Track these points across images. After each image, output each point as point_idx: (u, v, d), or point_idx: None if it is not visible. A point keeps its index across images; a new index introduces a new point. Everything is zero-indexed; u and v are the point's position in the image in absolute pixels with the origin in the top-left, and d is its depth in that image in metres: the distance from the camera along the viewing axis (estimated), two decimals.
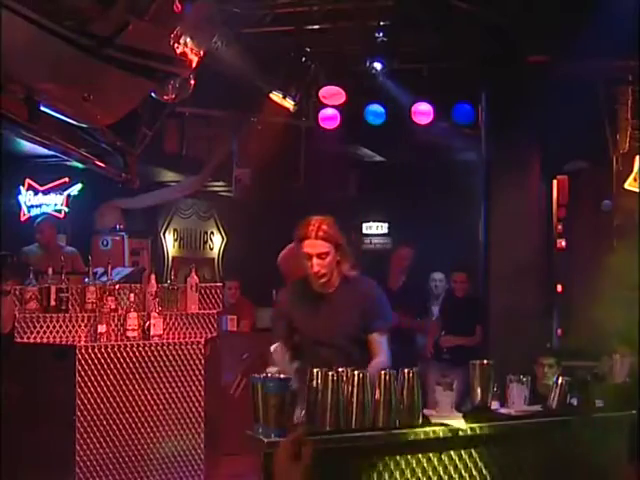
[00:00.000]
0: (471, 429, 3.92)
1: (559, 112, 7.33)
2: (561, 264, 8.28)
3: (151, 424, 5.90)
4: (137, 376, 5.87)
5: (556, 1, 7.16)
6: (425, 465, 3.83)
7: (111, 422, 5.77)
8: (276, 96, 8.80)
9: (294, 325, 4.48)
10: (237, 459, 6.18)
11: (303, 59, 8.77)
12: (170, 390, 5.97)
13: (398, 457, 3.76)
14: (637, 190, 8.47)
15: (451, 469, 3.87)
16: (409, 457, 3.80)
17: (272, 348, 4.41)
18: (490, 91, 7.91)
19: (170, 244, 12.21)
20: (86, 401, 5.70)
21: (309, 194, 11.09)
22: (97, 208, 11.10)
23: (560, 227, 8.33)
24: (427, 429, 3.82)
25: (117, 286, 6.22)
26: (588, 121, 7.88)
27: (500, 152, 7.80)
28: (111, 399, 5.78)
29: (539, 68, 7.50)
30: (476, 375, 4.19)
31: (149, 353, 5.92)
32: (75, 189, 11.26)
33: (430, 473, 3.84)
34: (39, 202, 11.27)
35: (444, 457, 3.87)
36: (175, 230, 12.34)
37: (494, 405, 4.23)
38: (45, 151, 7.60)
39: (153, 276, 6.34)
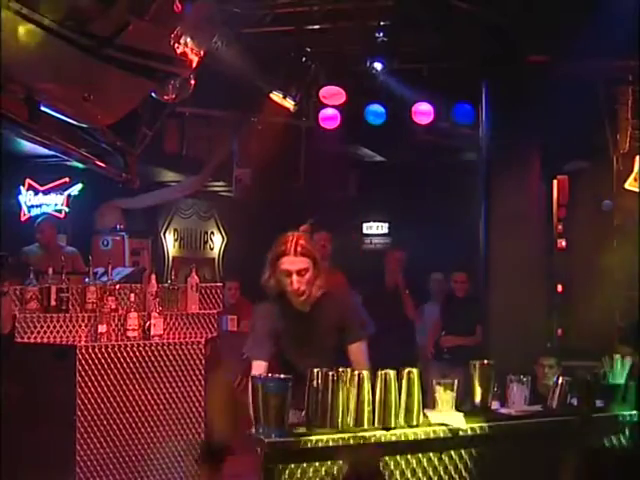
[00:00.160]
0: (471, 429, 3.92)
1: (559, 112, 7.33)
2: (561, 264, 8.28)
3: (151, 424, 5.90)
4: (137, 376, 5.87)
5: (556, 1, 7.16)
6: (425, 465, 3.83)
7: (111, 422, 5.77)
8: (276, 96, 8.80)
9: (279, 343, 4.32)
10: (237, 459, 6.19)
11: (303, 59, 8.78)
12: (170, 390, 5.97)
13: (398, 457, 3.76)
14: (637, 190, 8.46)
15: (451, 469, 3.88)
16: (409, 457, 3.80)
17: (255, 371, 4.14)
18: (490, 91, 7.91)
19: (170, 244, 12.21)
20: (86, 401, 5.69)
21: (309, 194, 11.10)
22: (97, 208, 11.09)
23: (560, 227, 8.34)
24: (427, 429, 3.82)
25: (117, 286, 6.23)
26: (588, 121, 7.89)
27: (500, 152, 7.80)
28: (111, 399, 5.78)
29: (539, 68, 7.50)
30: (476, 375, 4.19)
31: (149, 353, 5.93)
32: (75, 189, 11.26)
33: (430, 473, 3.84)
34: (39, 202, 11.27)
35: (444, 457, 3.87)
36: (175, 230, 12.34)
37: (494, 405, 4.23)
38: (45, 151, 7.60)
39: (153, 276, 6.34)
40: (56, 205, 11.27)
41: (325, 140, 10.05)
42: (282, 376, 3.68)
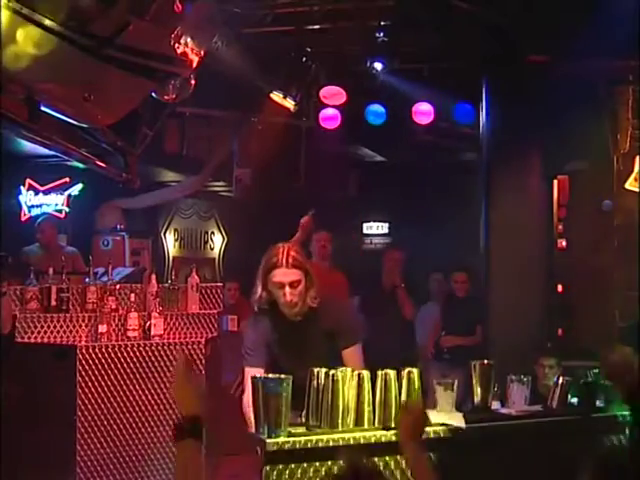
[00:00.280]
0: (471, 429, 3.92)
1: (559, 112, 7.33)
2: (561, 264, 8.27)
3: (151, 424, 5.90)
4: (138, 376, 5.87)
5: (556, 1, 7.16)
6: None
7: (112, 422, 5.77)
8: (276, 96, 8.80)
9: (272, 354, 4.33)
10: (236, 459, 6.19)
11: (304, 59, 8.78)
12: (170, 390, 5.96)
13: (398, 457, 3.76)
14: (637, 190, 8.46)
15: (451, 469, 3.88)
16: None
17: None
18: (490, 91, 7.91)
19: (171, 244, 12.21)
20: (87, 401, 5.70)
21: (309, 194, 11.09)
22: (98, 208, 11.10)
23: (560, 227, 8.32)
24: (427, 429, 3.83)
25: (118, 286, 6.23)
26: (588, 121, 7.88)
27: (500, 152, 7.80)
28: (112, 399, 5.78)
29: (539, 68, 7.50)
30: (476, 375, 4.19)
31: (150, 353, 5.93)
32: (76, 189, 11.26)
33: None
34: (40, 202, 11.27)
35: (444, 457, 3.87)
36: (176, 230, 12.34)
37: (494, 405, 4.23)
38: (46, 151, 7.60)
39: (154, 276, 6.35)
40: (56, 205, 11.27)
41: (325, 140, 10.05)
42: (282, 376, 3.68)
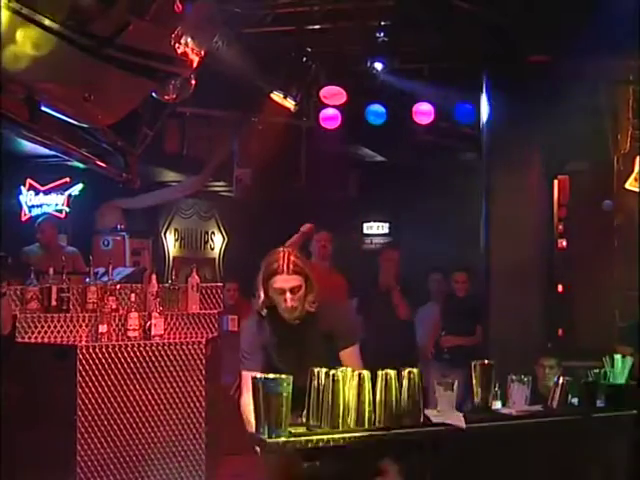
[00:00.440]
0: (471, 429, 3.92)
1: (559, 112, 7.32)
2: (561, 264, 8.26)
3: (152, 424, 5.90)
4: (138, 376, 5.87)
5: (557, 1, 7.16)
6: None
7: (112, 422, 5.77)
8: (277, 96, 8.80)
9: (269, 357, 4.33)
10: (237, 459, 6.19)
11: (304, 59, 8.78)
12: (171, 390, 5.96)
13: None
14: (637, 190, 8.45)
15: (451, 469, 3.88)
16: (410, 457, 3.80)
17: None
18: (491, 91, 7.90)
19: (171, 244, 12.22)
20: (87, 401, 5.70)
21: (310, 194, 11.11)
22: (98, 208, 11.10)
23: (561, 227, 8.31)
24: (427, 429, 3.82)
25: (118, 286, 6.23)
26: (588, 121, 7.88)
27: (500, 152, 7.80)
28: (112, 399, 5.78)
29: (540, 68, 7.50)
30: (477, 375, 4.19)
31: (150, 353, 5.93)
32: (76, 189, 11.27)
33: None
34: (40, 202, 11.27)
35: (444, 457, 3.87)
36: (176, 230, 12.34)
37: (495, 405, 4.23)
38: (46, 151, 7.60)
39: (154, 276, 6.35)
40: (57, 205, 11.27)
41: (325, 140, 10.05)
42: (283, 376, 3.68)
